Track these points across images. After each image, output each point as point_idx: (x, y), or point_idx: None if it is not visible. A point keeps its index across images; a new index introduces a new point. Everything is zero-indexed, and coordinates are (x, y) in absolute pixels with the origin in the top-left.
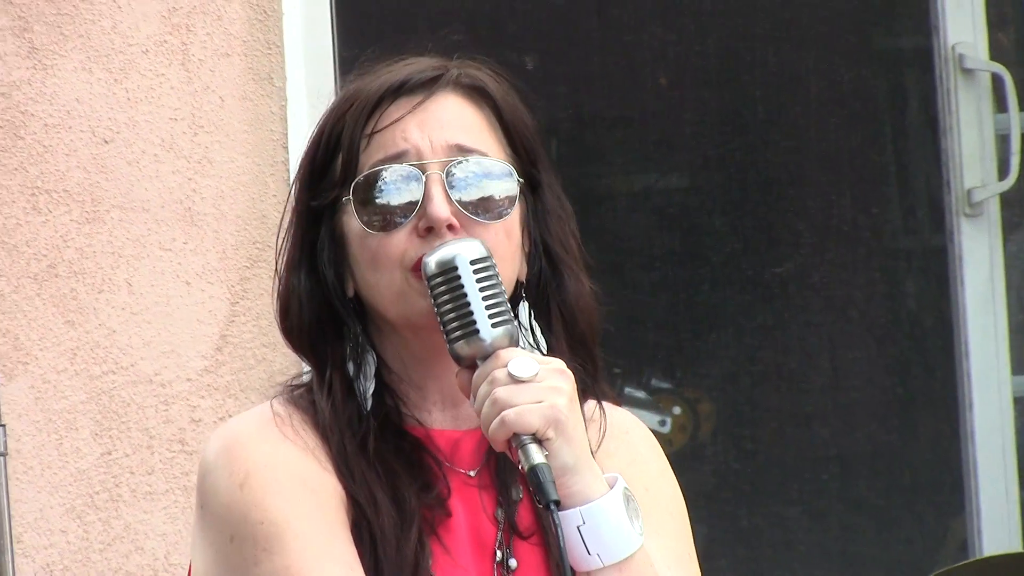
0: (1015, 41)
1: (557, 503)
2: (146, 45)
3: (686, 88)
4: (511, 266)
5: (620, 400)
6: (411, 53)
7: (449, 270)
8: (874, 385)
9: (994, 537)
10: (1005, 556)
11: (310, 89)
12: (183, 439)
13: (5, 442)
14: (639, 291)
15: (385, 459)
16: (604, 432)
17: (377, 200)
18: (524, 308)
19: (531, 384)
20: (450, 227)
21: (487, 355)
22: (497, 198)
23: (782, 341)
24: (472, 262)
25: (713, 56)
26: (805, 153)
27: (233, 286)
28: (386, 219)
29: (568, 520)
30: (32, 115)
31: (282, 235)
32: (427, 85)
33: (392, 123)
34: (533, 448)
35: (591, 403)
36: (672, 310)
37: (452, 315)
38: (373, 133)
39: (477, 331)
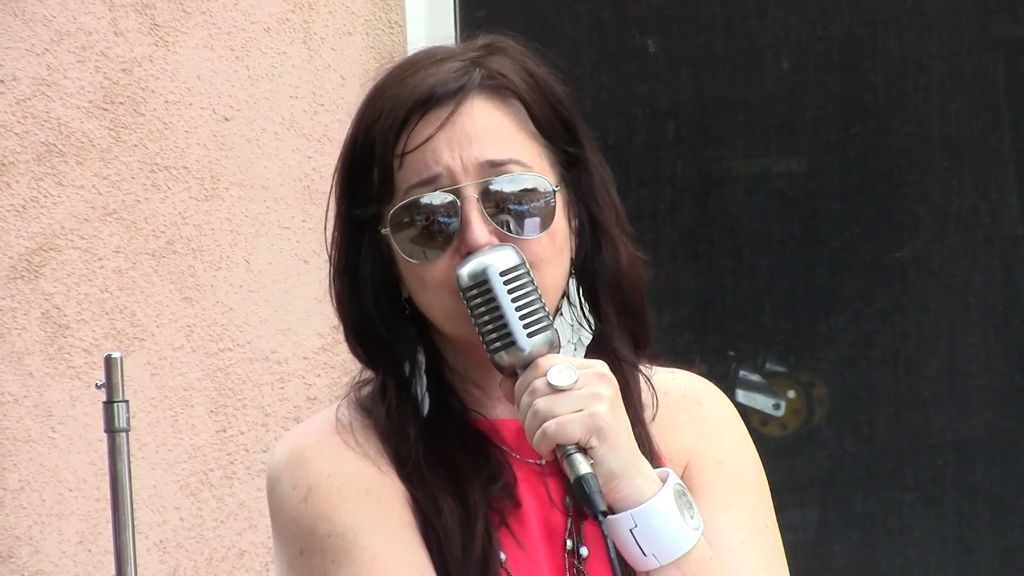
0: None
1: (605, 514)
2: (268, 23)
3: (808, 72)
4: (559, 264)
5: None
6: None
7: (481, 283)
8: (991, 371)
9: None
10: None
11: None
12: (299, 417)
13: (128, 418)
14: (757, 274)
15: (445, 457)
16: (657, 406)
17: (415, 230)
18: (571, 284)
19: (571, 392)
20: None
21: (526, 364)
22: (535, 212)
23: (899, 326)
24: (503, 272)
25: (835, 41)
26: (925, 139)
27: None
28: (426, 247)
29: (620, 523)
30: (153, 92)
31: (330, 230)
32: (453, 96)
33: (422, 143)
34: (578, 458)
35: (666, 375)
36: (790, 294)
37: (489, 327)
38: (404, 153)
39: (514, 342)
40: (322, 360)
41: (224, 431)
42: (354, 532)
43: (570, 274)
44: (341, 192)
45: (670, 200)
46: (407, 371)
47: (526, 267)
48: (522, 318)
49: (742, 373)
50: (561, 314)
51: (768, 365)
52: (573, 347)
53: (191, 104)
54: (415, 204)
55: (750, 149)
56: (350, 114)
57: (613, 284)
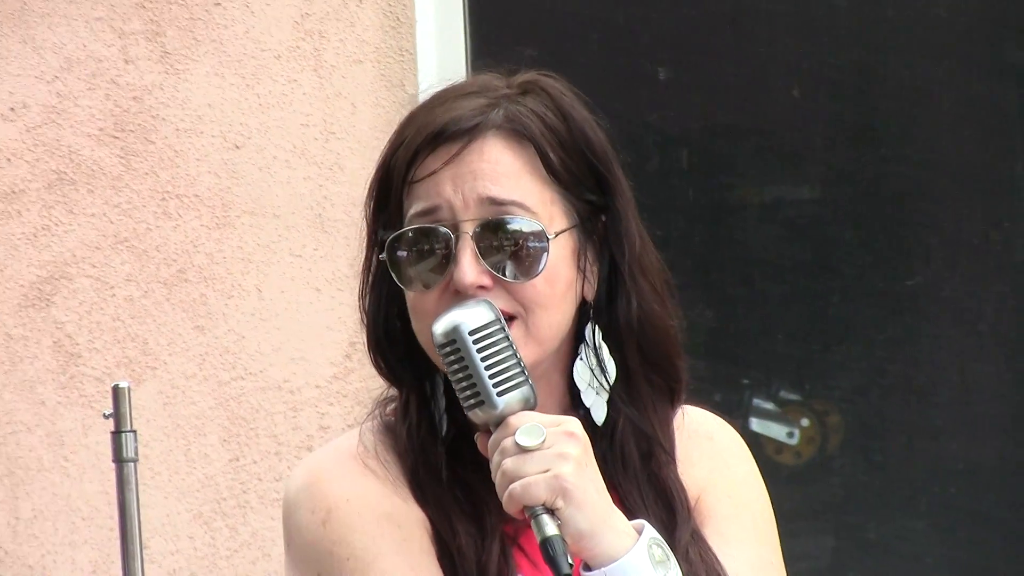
0: None
1: None
2: (278, 51)
3: (818, 100)
4: (558, 310)
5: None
6: (482, 71)
7: (451, 341)
8: (1003, 399)
9: None
10: None
11: None
12: (311, 446)
13: (136, 448)
14: (769, 303)
15: (462, 477)
16: (687, 434)
17: (410, 259)
18: (589, 329)
19: (537, 453)
20: (482, 287)
21: (499, 422)
22: (530, 256)
23: (911, 354)
24: (472, 332)
25: (845, 68)
26: (936, 166)
27: None
28: (419, 279)
29: None
30: (164, 120)
31: (362, 247)
32: (465, 133)
33: (427, 176)
34: (545, 519)
35: (678, 413)
36: (802, 322)
37: (462, 384)
38: (412, 182)
39: (484, 400)
40: (335, 389)
41: (237, 460)
42: (373, 556)
43: (590, 319)
44: (369, 211)
45: (681, 228)
46: (428, 390)
47: (500, 323)
48: (492, 376)
49: (756, 401)
50: (581, 358)
51: (782, 393)
52: (595, 391)
53: (202, 132)
54: (411, 234)
55: (761, 177)
56: (361, 142)
57: (630, 332)
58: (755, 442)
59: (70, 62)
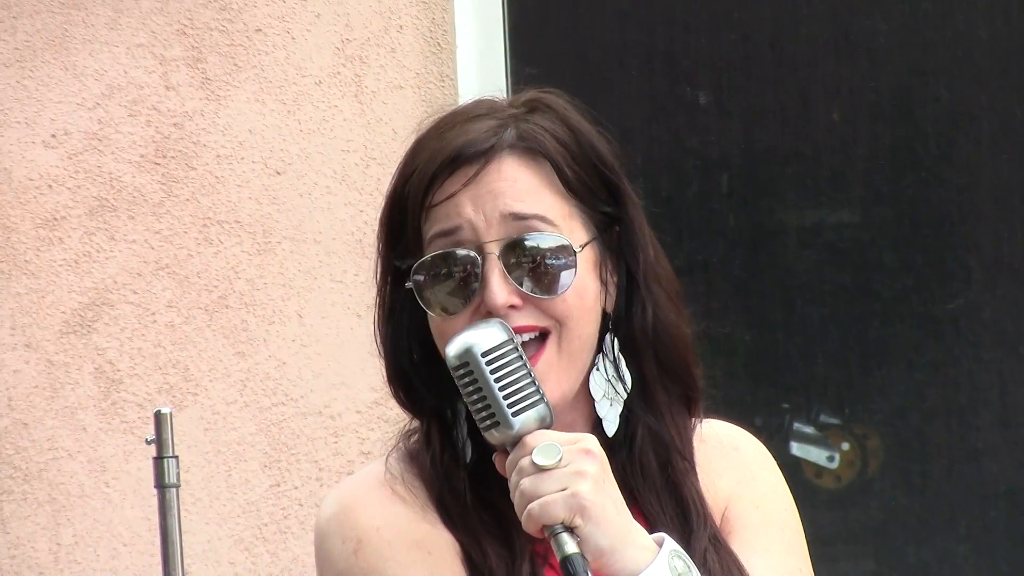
0: None
1: None
2: (319, 77)
3: (859, 123)
4: (588, 322)
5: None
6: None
7: (464, 364)
8: None
9: None
10: None
11: None
12: (352, 471)
13: (178, 474)
14: (809, 326)
15: (489, 501)
16: (712, 446)
17: (437, 285)
18: (608, 340)
19: (554, 471)
20: (512, 306)
21: (515, 442)
22: (557, 271)
23: (952, 377)
24: (486, 353)
25: (886, 92)
26: (977, 189)
27: None
28: (448, 303)
29: None
30: (205, 146)
31: (377, 277)
32: (481, 155)
33: (446, 199)
34: (564, 538)
35: (695, 424)
36: (842, 345)
37: (477, 405)
38: (430, 207)
39: (499, 422)
40: (375, 414)
41: (278, 486)
42: None
43: (608, 330)
44: (382, 243)
45: (722, 252)
46: (449, 417)
47: (513, 343)
48: (507, 397)
49: (796, 425)
50: (598, 368)
51: (822, 417)
52: (609, 402)
53: (243, 158)
54: (437, 259)
55: (801, 200)
56: None
57: (646, 341)
58: (795, 466)
59: (111, 89)
